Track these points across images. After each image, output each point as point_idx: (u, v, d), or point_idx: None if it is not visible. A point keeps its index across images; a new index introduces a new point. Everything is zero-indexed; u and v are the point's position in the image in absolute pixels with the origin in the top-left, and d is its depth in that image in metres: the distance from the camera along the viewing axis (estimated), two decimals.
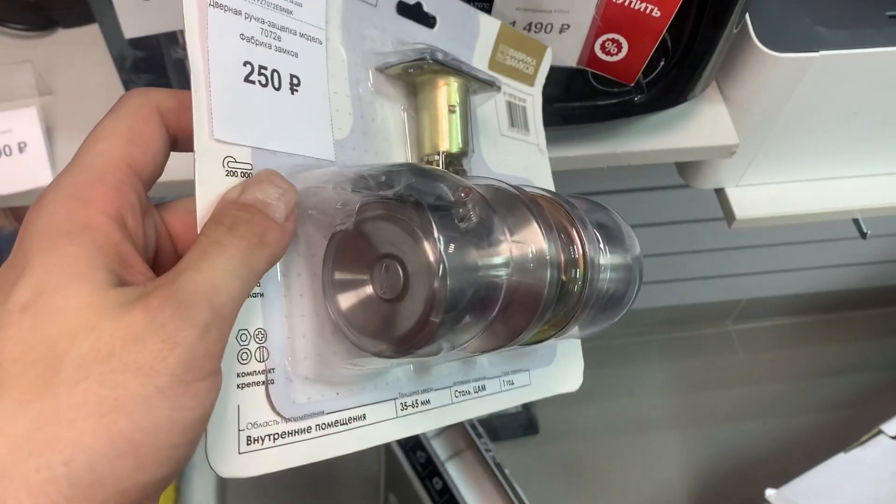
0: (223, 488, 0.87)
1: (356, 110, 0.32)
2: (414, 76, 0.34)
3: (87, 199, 0.24)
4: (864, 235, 0.57)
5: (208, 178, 0.27)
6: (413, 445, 0.76)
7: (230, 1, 0.28)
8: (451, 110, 0.34)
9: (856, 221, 0.56)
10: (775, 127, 0.49)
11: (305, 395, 0.29)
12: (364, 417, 0.30)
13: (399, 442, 0.77)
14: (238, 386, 0.27)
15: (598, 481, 1.01)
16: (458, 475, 0.74)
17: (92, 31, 0.49)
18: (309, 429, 0.28)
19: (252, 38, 0.28)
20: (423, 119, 0.35)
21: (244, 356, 0.27)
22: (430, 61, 0.33)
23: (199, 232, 0.26)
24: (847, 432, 0.83)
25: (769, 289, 1.21)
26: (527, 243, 0.30)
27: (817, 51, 0.44)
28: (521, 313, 0.30)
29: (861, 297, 1.27)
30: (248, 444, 0.27)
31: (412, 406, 0.33)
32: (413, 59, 0.33)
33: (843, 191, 0.55)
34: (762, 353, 1.24)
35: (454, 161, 0.34)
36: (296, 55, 0.30)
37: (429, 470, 0.75)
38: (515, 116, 0.41)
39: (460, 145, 0.34)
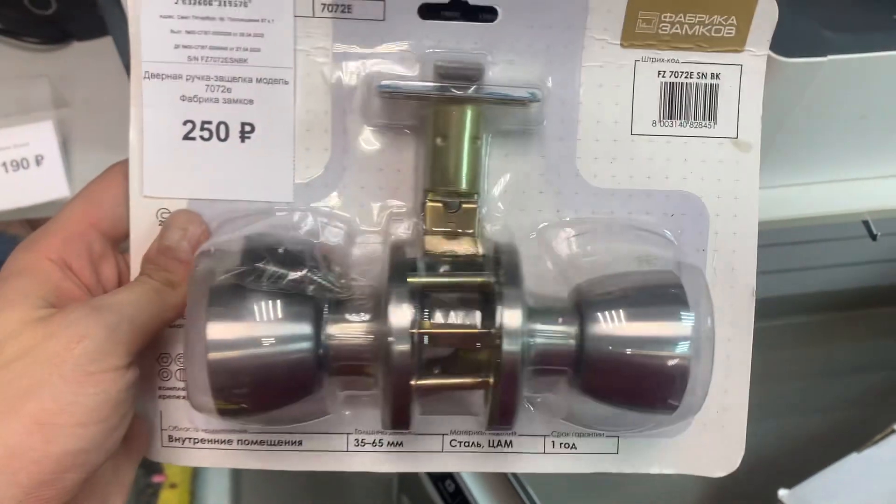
0: (237, 490, 0.88)
1: (337, 144, 0.31)
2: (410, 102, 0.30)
3: (36, 248, 0.30)
4: (874, 237, 0.57)
5: (140, 229, 0.31)
6: None
7: (169, 68, 0.30)
8: (441, 142, 0.29)
9: (865, 223, 0.56)
10: (783, 131, 0.49)
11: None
12: (300, 444, 0.32)
13: None
14: (160, 396, 0.33)
15: (609, 478, 1.01)
16: (470, 478, 0.75)
17: (106, 44, 0.50)
18: (230, 441, 0.33)
19: (195, 97, 0.30)
20: (425, 149, 0.31)
21: (165, 374, 0.33)
22: (385, 93, 0.29)
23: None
24: (860, 432, 0.83)
25: (783, 287, 1.21)
26: (364, 319, 0.27)
27: (825, 55, 0.44)
28: (390, 389, 0.27)
29: (875, 295, 1.27)
30: (169, 441, 0.33)
31: (374, 445, 0.32)
32: (387, 88, 0.29)
33: (853, 193, 0.55)
34: (774, 351, 1.23)
35: (454, 203, 0.30)
36: (250, 102, 0.31)
37: (442, 474, 0.76)
38: (684, 102, 0.31)
39: (461, 185, 0.29)
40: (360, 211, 0.32)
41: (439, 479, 0.75)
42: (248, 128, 0.31)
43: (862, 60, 0.45)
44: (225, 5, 0.29)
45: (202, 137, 0.31)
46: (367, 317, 0.28)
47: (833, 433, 1.12)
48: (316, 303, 0.27)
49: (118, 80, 0.46)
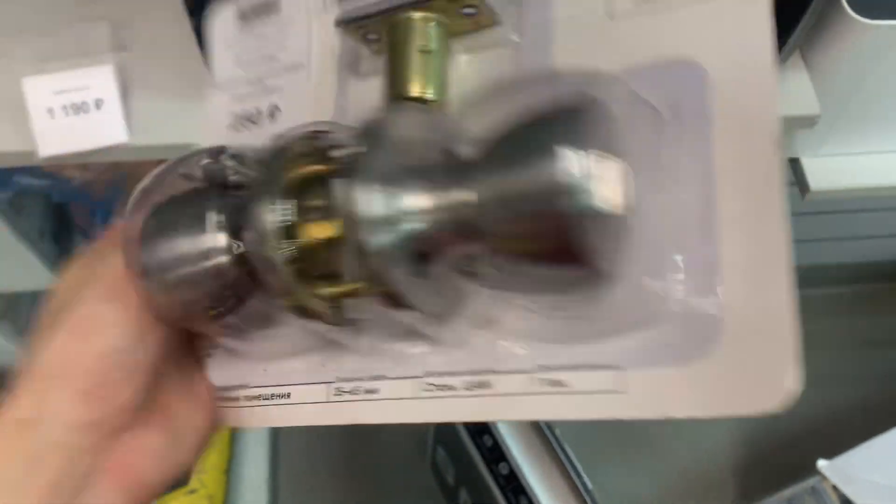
0: (275, 439, 0.90)
1: (340, 98, 0.32)
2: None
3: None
4: None
5: None
6: None
7: (229, 85, 0.35)
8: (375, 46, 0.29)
9: None
10: (858, 96, 0.48)
11: (234, 368, 0.33)
12: (288, 396, 0.32)
13: None
14: None
15: (645, 446, 1.01)
16: (508, 434, 0.75)
17: None
18: (237, 398, 0.33)
19: (240, 96, 0.35)
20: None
21: None
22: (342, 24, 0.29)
23: None
24: None
25: (829, 256, 1.19)
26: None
27: None
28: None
29: None
30: None
31: (351, 393, 0.30)
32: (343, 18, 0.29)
33: None
34: (818, 320, 1.21)
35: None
36: (281, 90, 0.34)
37: (479, 427, 0.76)
38: None
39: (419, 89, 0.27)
40: None
41: (476, 433, 0.76)
42: (276, 108, 0.34)
43: None
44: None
45: (243, 125, 0.34)
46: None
47: (876, 406, 1.11)
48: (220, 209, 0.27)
49: (178, 24, 0.46)
